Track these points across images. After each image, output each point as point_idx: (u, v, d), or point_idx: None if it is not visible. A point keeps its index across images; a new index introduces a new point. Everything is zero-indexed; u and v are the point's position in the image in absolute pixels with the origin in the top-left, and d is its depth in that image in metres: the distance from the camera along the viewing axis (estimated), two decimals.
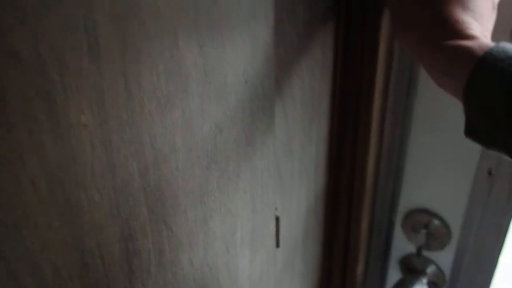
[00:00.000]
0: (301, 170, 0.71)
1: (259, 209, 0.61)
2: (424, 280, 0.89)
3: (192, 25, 0.40)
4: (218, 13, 0.43)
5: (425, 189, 0.84)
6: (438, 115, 0.78)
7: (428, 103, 0.78)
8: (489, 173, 0.75)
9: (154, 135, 0.40)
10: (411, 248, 0.91)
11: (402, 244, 0.92)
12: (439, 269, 0.89)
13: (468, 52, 0.44)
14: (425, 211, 0.85)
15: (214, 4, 0.42)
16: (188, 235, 0.48)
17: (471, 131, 0.47)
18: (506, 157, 0.45)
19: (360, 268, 0.90)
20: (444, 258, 0.88)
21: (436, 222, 0.85)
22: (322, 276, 0.92)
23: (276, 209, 0.67)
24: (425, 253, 0.89)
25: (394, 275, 0.96)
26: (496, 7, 0.51)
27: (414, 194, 0.86)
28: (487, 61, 0.43)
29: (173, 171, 0.43)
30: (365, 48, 0.69)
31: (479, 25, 0.47)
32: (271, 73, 0.55)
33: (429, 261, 0.89)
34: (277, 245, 0.70)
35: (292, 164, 0.68)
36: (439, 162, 0.80)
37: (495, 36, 0.49)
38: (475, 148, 0.76)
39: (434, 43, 0.47)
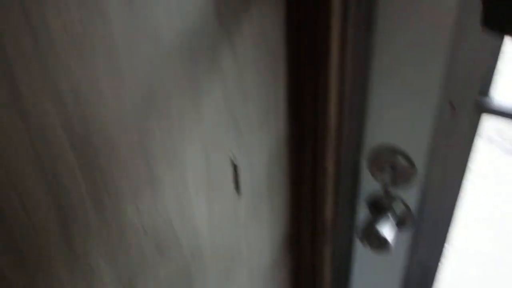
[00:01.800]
0: (260, 115, 0.69)
1: (212, 157, 0.59)
2: (392, 218, 0.90)
3: None
4: None
5: (389, 126, 0.83)
6: (399, 48, 0.75)
7: (388, 38, 0.75)
8: (451, 104, 0.74)
9: (74, 81, 0.36)
10: (378, 187, 0.91)
11: (369, 184, 0.92)
12: (405, 205, 0.89)
13: None
14: (390, 149, 0.84)
15: None
16: (129, 182, 0.45)
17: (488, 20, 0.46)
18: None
19: (329, 212, 0.90)
20: (410, 195, 0.88)
21: (401, 159, 0.84)
22: (291, 223, 0.92)
23: (233, 156, 0.65)
24: (392, 190, 0.89)
25: (363, 215, 0.96)
26: None
27: (378, 132, 0.84)
28: None
29: (102, 117, 0.40)
30: None
31: None
32: (212, 7, 0.51)
33: (395, 199, 0.89)
34: (238, 193, 0.69)
35: (248, 109, 0.66)
36: (401, 97, 0.79)
37: None
38: (436, 79, 0.74)
39: None
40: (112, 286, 0.48)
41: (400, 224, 0.92)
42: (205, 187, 0.59)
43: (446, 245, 0.92)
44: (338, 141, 0.83)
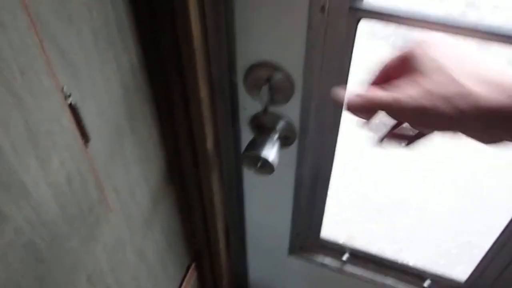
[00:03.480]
0: (98, 38, 0.56)
1: (32, 102, 0.47)
2: (275, 136, 0.84)
3: None
4: None
5: (261, 40, 0.74)
6: None
7: None
8: (322, 10, 0.66)
9: None
10: (258, 107, 0.84)
11: (248, 104, 0.85)
12: (288, 122, 0.84)
13: None
14: (264, 65, 0.76)
15: None
16: None
17: None
18: None
19: (210, 141, 0.82)
20: (291, 110, 0.82)
21: (277, 74, 0.77)
22: (169, 155, 0.83)
23: (69, 95, 0.53)
24: (273, 109, 0.83)
25: (247, 137, 0.90)
26: None
27: (250, 48, 0.76)
28: None
29: None
30: None
31: None
32: None
33: (277, 117, 0.84)
34: (86, 139, 0.58)
35: (80, 34, 0.53)
36: (270, 7, 0.69)
37: None
38: None
39: None
40: None
41: (285, 140, 0.87)
42: (30, 146, 0.48)
43: (335, 151, 0.90)
44: (207, 63, 0.73)
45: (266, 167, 0.83)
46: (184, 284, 1.09)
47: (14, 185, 0.47)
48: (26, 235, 0.51)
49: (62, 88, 0.51)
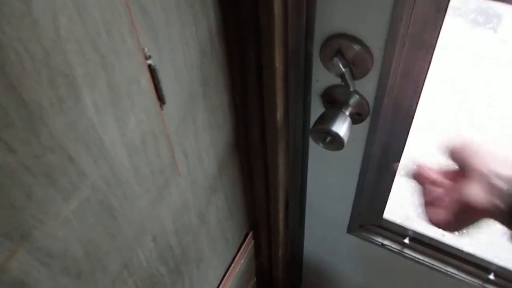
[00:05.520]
0: (179, 0, 0.55)
1: (115, 61, 0.47)
2: (347, 112, 0.81)
3: None
4: None
5: (342, 10, 0.70)
6: None
7: None
8: None
9: None
10: (331, 80, 0.81)
11: (322, 77, 0.82)
12: (362, 98, 0.80)
13: None
14: (343, 36, 0.73)
15: None
16: None
17: None
18: None
19: (279, 112, 0.81)
20: (367, 87, 0.78)
21: (356, 47, 0.73)
22: (237, 124, 0.83)
23: (149, 57, 0.53)
24: (348, 82, 0.79)
25: (317, 110, 0.87)
26: None
27: (330, 18, 0.72)
28: None
29: None
30: None
31: None
32: None
33: (351, 91, 0.80)
34: (162, 101, 0.58)
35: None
36: None
37: None
38: None
39: None
40: None
41: (356, 117, 0.84)
42: (108, 103, 0.48)
43: (408, 134, 0.86)
44: (285, 32, 0.71)
45: (335, 143, 0.80)
46: (240, 251, 1.11)
47: (94, 143, 0.48)
48: (102, 192, 0.52)
49: (143, 49, 0.51)
